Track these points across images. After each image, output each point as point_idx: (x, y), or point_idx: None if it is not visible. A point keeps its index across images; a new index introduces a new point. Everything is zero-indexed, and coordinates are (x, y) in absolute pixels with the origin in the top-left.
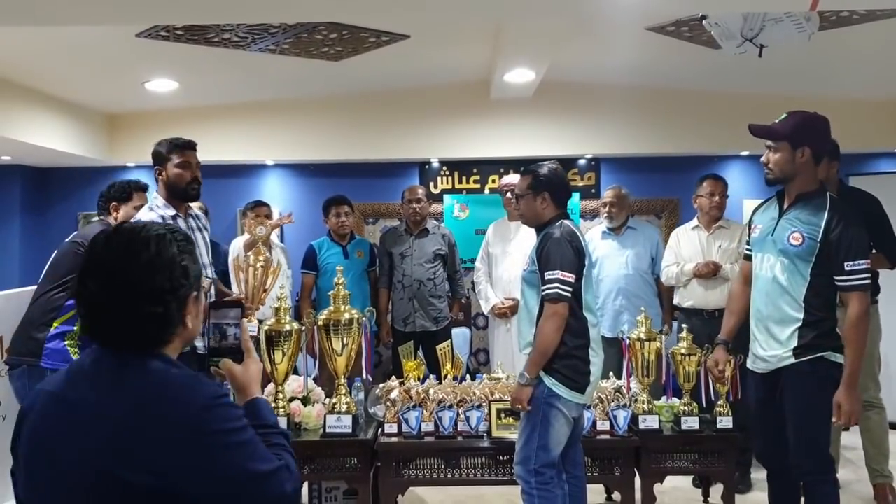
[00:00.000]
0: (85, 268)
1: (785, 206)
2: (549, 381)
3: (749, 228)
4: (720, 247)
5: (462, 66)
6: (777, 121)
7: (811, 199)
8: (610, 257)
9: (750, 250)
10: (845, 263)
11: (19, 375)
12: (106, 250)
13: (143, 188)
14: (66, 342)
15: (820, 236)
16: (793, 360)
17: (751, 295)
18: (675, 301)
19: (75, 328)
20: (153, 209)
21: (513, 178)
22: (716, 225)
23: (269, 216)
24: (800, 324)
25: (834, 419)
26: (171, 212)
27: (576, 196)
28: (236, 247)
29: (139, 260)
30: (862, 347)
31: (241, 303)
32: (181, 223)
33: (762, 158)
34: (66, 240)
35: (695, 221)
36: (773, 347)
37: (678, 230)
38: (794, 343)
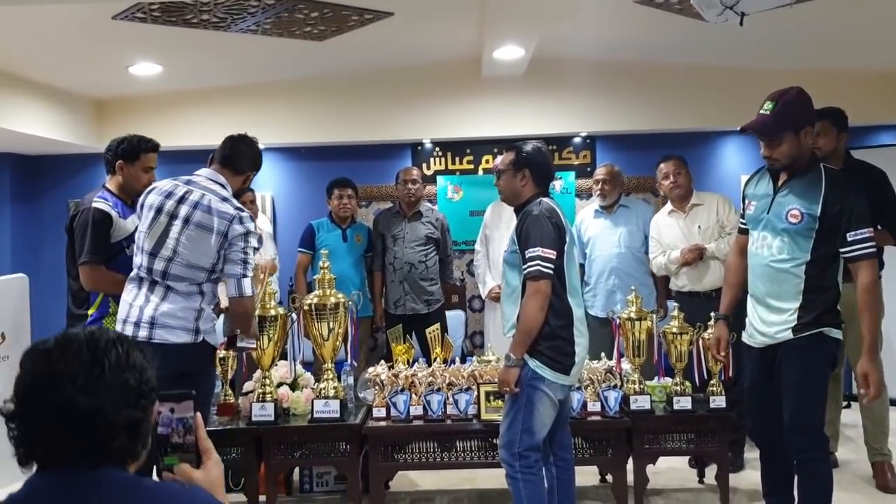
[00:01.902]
0: (42, 380)
1: (780, 183)
2: (533, 363)
3: (743, 203)
4: (700, 227)
5: (451, 44)
6: (766, 111)
7: (805, 173)
8: (602, 236)
9: (745, 224)
10: (848, 234)
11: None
12: (70, 357)
13: (154, 148)
14: (104, 322)
15: (819, 211)
16: (791, 336)
17: (747, 271)
18: (671, 287)
19: (110, 310)
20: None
21: None
22: (689, 204)
23: (253, 202)
24: (801, 300)
25: (861, 391)
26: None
27: (571, 175)
28: None
29: (109, 362)
30: (876, 313)
31: (193, 394)
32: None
33: (763, 153)
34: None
35: (669, 206)
36: (771, 323)
37: (656, 218)
38: (794, 318)
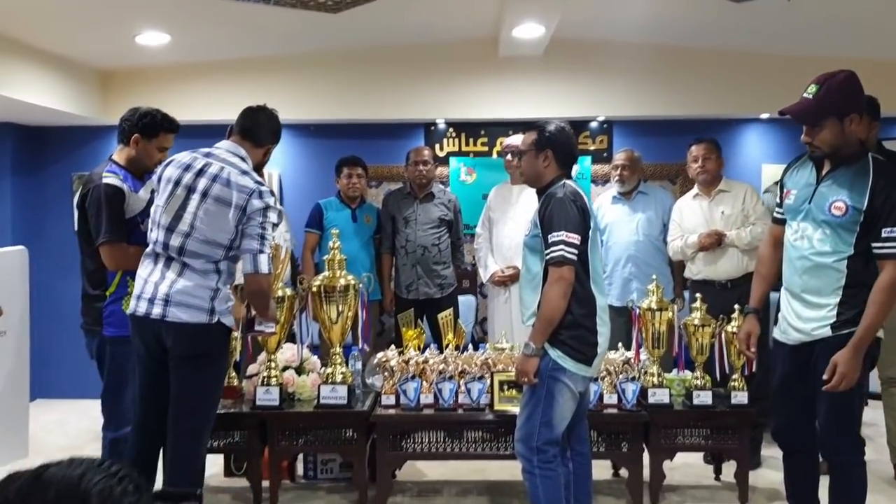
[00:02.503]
0: None
1: (823, 172)
2: (555, 354)
3: (781, 192)
4: (723, 213)
5: (469, 21)
6: (809, 94)
7: (852, 163)
8: (620, 223)
9: (781, 214)
10: (884, 229)
11: (88, 343)
12: None
13: (174, 129)
14: (123, 303)
15: (865, 204)
16: (829, 334)
17: (782, 263)
18: (686, 274)
19: (129, 290)
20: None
21: (515, 140)
22: (715, 189)
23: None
24: (840, 296)
25: (825, 376)
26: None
27: (587, 160)
28: None
29: None
30: (882, 316)
31: (199, 493)
32: None
33: (804, 138)
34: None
35: (695, 190)
36: (808, 319)
37: (679, 202)
38: (833, 315)
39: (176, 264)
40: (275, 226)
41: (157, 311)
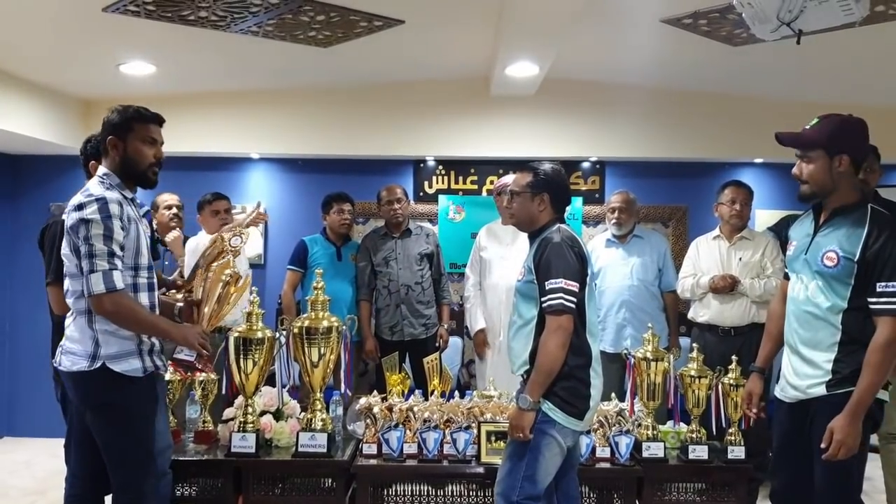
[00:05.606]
0: None
1: (820, 222)
2: (545, 406)
3: (785, 245)
4: (741, 259)
5: (461, 59)
6: (808, 126)
7: (850, 213)
8: (614, 267)
9: (787, 268)
10: (878, 284)
11: (55, 386)
12: None
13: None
14: None
15: (858, 255)
16: (824, 392)
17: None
18: (690, 315)
19: None
20: (110, 187)
21: (509, 179)
22: (738, 235)
23: (227, 211)
24: (836, 352)
25: (822, 445)
26: (129, 194)
27: (578, 201)
28: (194, 248)
29: None
30: (880, 377)
31: None
32: (130, 211)
33: (794, 170)
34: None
35: (716, 231)
36: (805, 376)
37: (698, 239)
38: (829, 372)
39: (71, 310)
40: (106, 237)
41: (57, 359)
